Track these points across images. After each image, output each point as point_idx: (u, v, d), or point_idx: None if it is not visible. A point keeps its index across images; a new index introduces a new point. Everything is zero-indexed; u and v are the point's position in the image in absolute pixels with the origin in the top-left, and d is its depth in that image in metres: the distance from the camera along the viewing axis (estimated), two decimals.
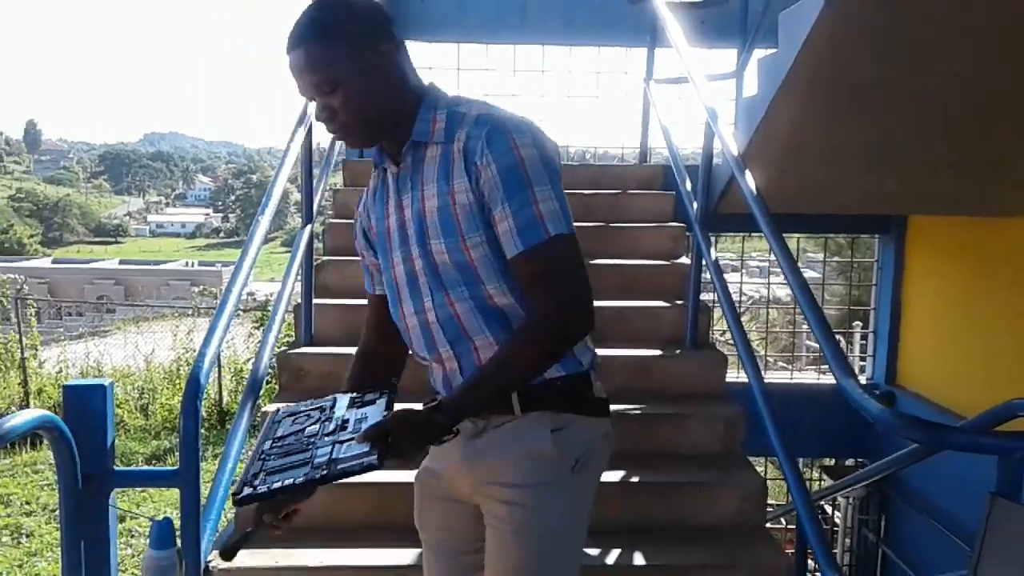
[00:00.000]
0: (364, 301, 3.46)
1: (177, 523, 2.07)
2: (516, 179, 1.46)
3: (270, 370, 3.26)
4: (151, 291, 39.18)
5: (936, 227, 5.68)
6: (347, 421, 1.52)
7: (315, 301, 3.42)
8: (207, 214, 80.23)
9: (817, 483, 7.03)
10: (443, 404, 1.46)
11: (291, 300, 3.21)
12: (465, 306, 1.55)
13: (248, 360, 10.98)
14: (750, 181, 2.98)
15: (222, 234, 73.44)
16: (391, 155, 1.62)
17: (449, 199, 1.51)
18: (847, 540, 6.46)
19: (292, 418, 1.62)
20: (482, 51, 6.49)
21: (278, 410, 1.68)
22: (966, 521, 4.93)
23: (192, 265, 51.68)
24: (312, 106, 3.29)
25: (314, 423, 1.55)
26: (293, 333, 3.75)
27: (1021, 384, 4.61)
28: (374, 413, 1.52)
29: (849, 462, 6.92)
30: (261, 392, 2.71)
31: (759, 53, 4.17)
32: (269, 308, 11.29)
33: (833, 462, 7.12)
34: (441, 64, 6.55)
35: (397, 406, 1.54)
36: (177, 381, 10.68)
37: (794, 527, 5.64)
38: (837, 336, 2.33)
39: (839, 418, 5.30)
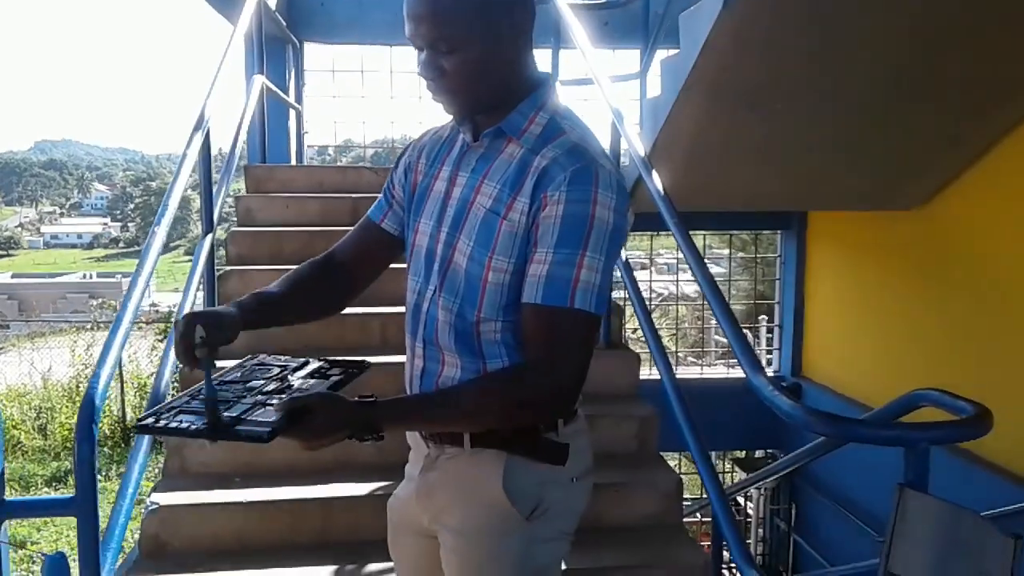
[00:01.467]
0: None
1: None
2: (576, 233, 1.31)
3: (173, 385, 3.12)
4: (47, 305, 37.58)
5: (835, 222, 5.86)
6: (290, 387, 1.47)
7: None
8: (105, 224, 77.46)
9: (729, 475, 7.18)
10: (378, 404, 1.34)
11: (193, 310, 3.09)
12: (446, 316, 1.43)
13: (152, 375, 10.64)
14: (656, 181, 2.99)
15: (121, 244, 71.05)
16: (473, 127, 1.45)
17: (502, 209, 1.37)
18: (760, 530, 6.62)
19: (258, 368, 1.57)
20: (386, 52, 6.44)
21: (255, 355, 1.62)
22: (871, 506, 5.10)
23: (90, 277, 49.83)
24: (211, 104, 3.23)
25: (263, 379, 1.50)
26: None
27: (921, 372, 4.79)
28: (316, 388, 1.46)
29: (759, 453, 7.09)
30: None
31: (662, 54, 4.23)
32: (172, 320, 10.99)
33: (744, 454, 7.28)
34: (345, 66, 6.48)
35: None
36: (77, 399, 10.26)
37: (710, 519, 5.75)
38: (744, 331, 2.37)
39: (749, 411, 5.38)
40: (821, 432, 1.78)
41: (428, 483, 1.52)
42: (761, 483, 6.32)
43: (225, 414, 1.34)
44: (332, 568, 2.60)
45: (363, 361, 1.61)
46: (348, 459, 2.83)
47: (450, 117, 1.50)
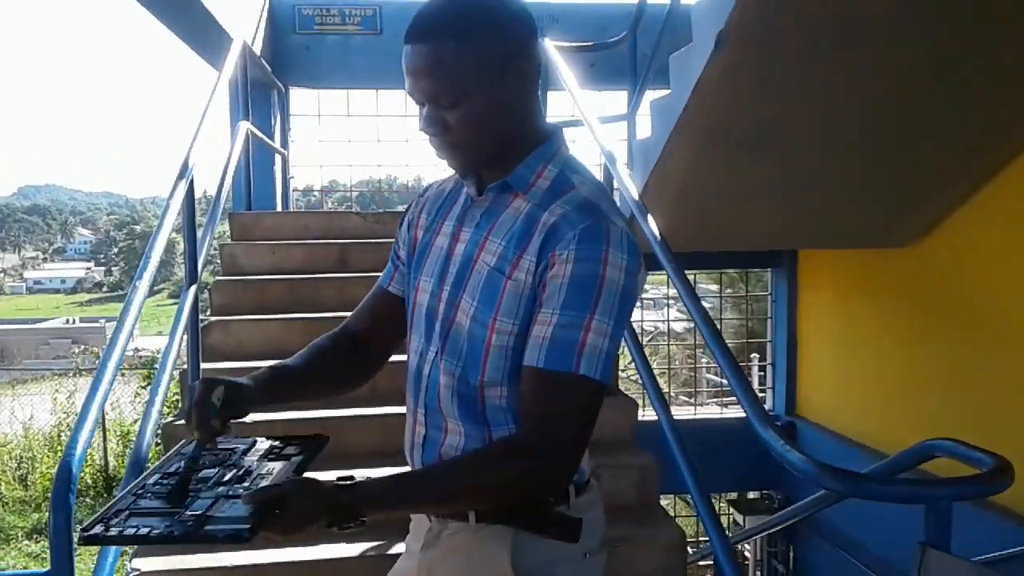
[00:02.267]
0: (254, 363, 3.33)
1: None
2: (584, 295, 1.22)
3: (155, 447, 3.01)
4: (29, 351, 37.27)
5: (826, 260, 5.83)
6: (249, 472, 1.34)
7: (202, 365, 3.20)
8: (88, 268, 77.03)
9: (726, 516, 7.06)
10: (359, 487, 1.22)
11: (176, 364, 2.99)
12: (448, 380, 1.34)
13: (136, 421, 10.48)
14: (652, 225, 2.94)
15: (105, 288, 70.55)
16: (477, 181, 1.37)
17: (507, 268, 1.28)
18: (757, 573, 6.50)
19: (199, 453, 1.39)
20: (371, 97, 6.43)
21: (188, 440, 1.44)
22: (871, 549, 5.00)
23: (73, 322, 49.45)
24: (195, 152, 3.16)
25: (214, 466, 1.36)
26: (179, 400, 3.51)
27: (917, 411, 4.73)
28: (280, 472, 1.34)
29: (752, 494, 6.99)
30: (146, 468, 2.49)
31: (650, 94, 4.20)
32: (156, 367, 10.88)
33: (735, 495, 7.16)
34: (331, 110, 6.46)
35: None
36: (58, 448, 10.09)
37: (707, 563, 5.63)
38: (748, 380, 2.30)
39: (743, 452, 5.32)
40: (836, 490, 1.70)
41: (429, 560, 1.41)
42: (759, 527, 6.24)
43: (187, 512, 1.21)
44: None
45: (319, 435, 1.49)
46: None
47: (452, 170, 1.42)
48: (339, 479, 1.23)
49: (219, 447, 1.42)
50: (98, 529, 1.20)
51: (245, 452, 1.41)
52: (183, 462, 1.37)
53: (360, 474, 2.57)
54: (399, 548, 1.59)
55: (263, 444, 1.44)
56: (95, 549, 2.37)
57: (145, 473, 1.37)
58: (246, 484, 1.29)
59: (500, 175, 1.34)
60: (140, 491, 1.29)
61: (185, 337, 3.05)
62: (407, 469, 1.44)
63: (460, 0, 1.25)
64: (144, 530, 1.18)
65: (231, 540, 1.15)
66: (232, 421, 1.36)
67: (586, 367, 1.22)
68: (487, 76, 1.25)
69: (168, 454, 1.44)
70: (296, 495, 1.19)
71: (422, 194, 1.55)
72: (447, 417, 1.36)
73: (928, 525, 1.64)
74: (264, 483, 1.29)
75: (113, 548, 2.10)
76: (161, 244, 2.65)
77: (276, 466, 1.36)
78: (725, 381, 7.74)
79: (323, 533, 1.22)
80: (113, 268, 73.68)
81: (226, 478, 1.31)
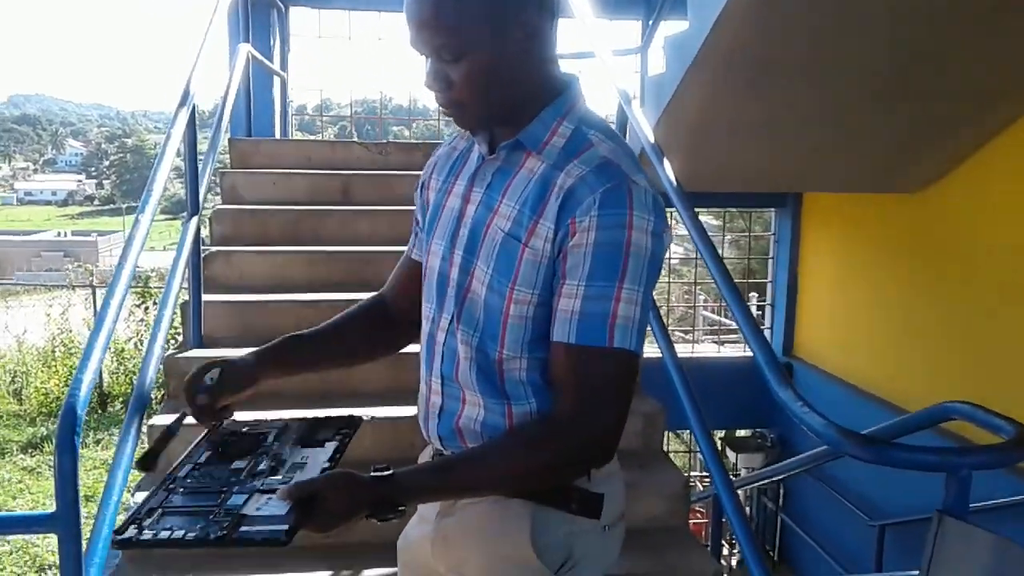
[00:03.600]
0: (256, 296, 3.29)
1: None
2: (611, 262, 1.15)
3: (158, 385, 2.97)
4: (21, 263, 37.23)
5: (831, 202, 5.77)
6: (284, 462, 1.30)
7: (204, 297, 3.15)
8: (79, 181, 76.34)
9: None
10: (396, 477, 1.17)
11: (178, 297, 2.94)
12: (466, 351, 1.28)
13: (129, 340, 10.47)
14: (667, 165, 2.88)
15: (96, 201, 70.16)
16: (488, 138, 1.30)
17: (523, 234, 1.21)
18: (748, 508, 6.59)
19: (231, 440, 1.38)
20: (375, 18, 6.25)
21: (217, 425, 1.43)
22: (860, 487, 5.06)
23: (65, 235, 49.27)
24: (196, 79, 3.05)
25: (245, 454, 1.32)
26: (181, 332, 3.47)
27: (914, 356, 4.74)
28: (315, 461, 1.29)
29: (742, 432, 7.04)
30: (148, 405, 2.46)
31: (663, 27, 4.09)
32: (151, 286, 10.81)
33: (723, 432, 7.21)
34: (332, 32, 6.28)
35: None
36: (52, 364, 10.10)
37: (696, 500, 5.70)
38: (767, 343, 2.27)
39: (738, 390, 5.37)
40: (856, 456, 1.68)
41: (445, 529, 1.36)
42: (750, 462, 6.32)
43: (222, 509, 1.17)
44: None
45: (352, 416, 1.43)
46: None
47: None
48: (375, 468, 1.18)
49: (250, 432, 1.39)
50: (131, 532, 1.15)
51: (277, 437, 1.37)
52: (211, 449, 1.35)
53: (371, 412, 2.57)
54: None
55: (294, 427, 1.40)
56: (96, 491, 2.35)
57: (176, 463, 1.33)
58: (280, 476, 1.25)
59: (512, 132, 1.25)
60: (171, 485, 1.26)
61: (187, 267, 2.99)
62: (434, 456, 1.39)
63: None
64: (179, 532, 1.14)
65: (268, 543, 1.10)
66: (236, 398, 1.39)
67: (620, 339, 1.16)
68: (493, 29, 1.15)
69: (198, 439, 1.40)
70: (334, 490, 1.15)
71: (434, 153, 1.48)
72: (464, 388, 1.30)
73: (947, 494, 1.62)
74: (299, 474, 1.24)
75: (117, 488, 2.08)
76: (162, 179, 2.57)
77: (311, 453, 1.31)
78: (722, 319, 7.71)
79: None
80: (104, 181, 73.07)
81: (259, 468, 1.27)
